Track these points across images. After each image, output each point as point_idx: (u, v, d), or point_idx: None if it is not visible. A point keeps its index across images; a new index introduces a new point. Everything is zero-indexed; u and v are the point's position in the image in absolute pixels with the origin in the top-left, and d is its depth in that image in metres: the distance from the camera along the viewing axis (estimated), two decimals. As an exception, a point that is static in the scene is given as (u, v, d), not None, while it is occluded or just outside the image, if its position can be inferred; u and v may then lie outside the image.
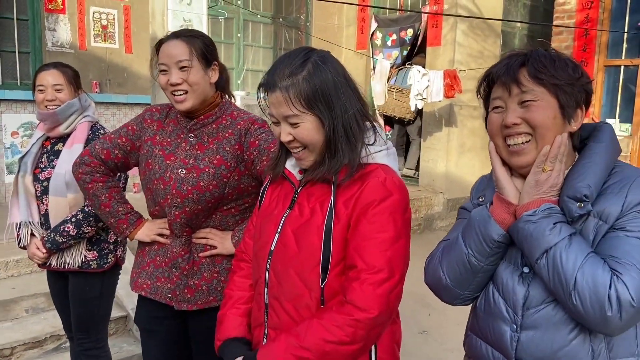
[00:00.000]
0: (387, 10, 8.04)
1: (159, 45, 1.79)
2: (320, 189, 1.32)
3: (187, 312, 1.87)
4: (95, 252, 2.38)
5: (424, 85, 6.44)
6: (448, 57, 7.02)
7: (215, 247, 1.84)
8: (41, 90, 2.34)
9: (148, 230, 1.93)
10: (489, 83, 1.27)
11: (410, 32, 7.54)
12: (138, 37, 6.36)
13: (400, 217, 1.26)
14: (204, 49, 1.78)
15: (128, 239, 2.02)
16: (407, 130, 7.75)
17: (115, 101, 6.17)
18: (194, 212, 1.78)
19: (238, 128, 1.82)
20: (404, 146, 7.92)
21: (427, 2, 7.34)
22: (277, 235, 1.34)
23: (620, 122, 6.03)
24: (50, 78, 2.33)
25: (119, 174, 2.20)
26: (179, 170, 1.79)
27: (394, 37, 7.75)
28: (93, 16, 6.11)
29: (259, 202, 1.50)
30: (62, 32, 5.92)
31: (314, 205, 1.30)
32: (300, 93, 1.24)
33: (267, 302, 1.36)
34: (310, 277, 1.27)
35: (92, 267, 2.37)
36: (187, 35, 1.77)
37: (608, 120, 6.06)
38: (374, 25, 7.94)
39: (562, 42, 6.16)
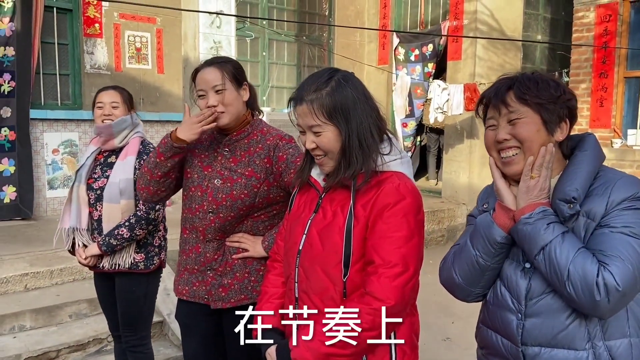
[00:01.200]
0: (408, 27, 8.24)
1: (195, 73, 2.02)
2: (341, 194, 1.50)
3: (221, 310, 2.07)
4: (142, 254, 2.61)
5: (444, 99, 6.59)
6: (469, 71, 7.15)
7: (247, 250, 2.03)
8: (100, 107, 2.64)
9: (188, 129, 1.95)
10: (485, 105, 1.46)
11: (430, 47, 7.71)
12: (170, 58, 6.68)
13: (413, 218, 1.43)
14: (234, 72, 2.01)
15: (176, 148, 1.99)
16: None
17: (148, 119, 6.48)
18: (227, 218, 1.99)
19: (267, 144, 2.03)
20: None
21: (447, 17, 7.51)
22: (304, 236, 1.53)
23: (642, 132, 6.07)
24: (108, 96, 2.64)
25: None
26: (215, 180, 2.01)
27: (417, 52, 7.93)
28: (128, 39, 6.45)
29: (289, 207, 1.69)
30: (99, 55, 6.27)
31: (335, 209, 1.49)
32: (323, 106, 1.45)
33: (297, 295, 1.54)
34: (334, 272, 1.45)
35: (139, 268, 2.60)
36: (218, 61, 2.01)
37: (630, 131, 6.11)
38: (395, 41, 8.13)
39: (582, 55, 6.25)
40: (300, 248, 1.53)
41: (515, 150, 1.37)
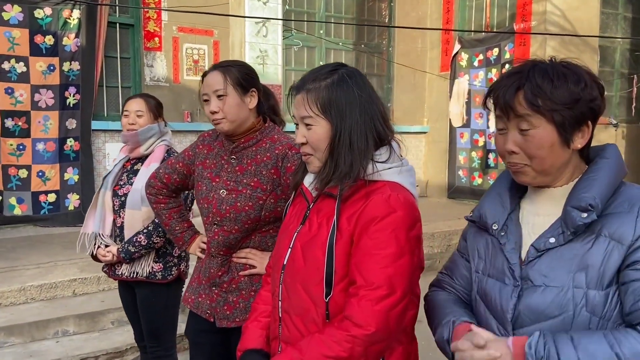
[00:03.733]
0: (472, 32, 7.89)
1: (203, 77, 1.92)
2: (328, 204, 1.33)
3: (229, 329, 1.95)
4: (161, 264, 2.57)
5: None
6: (537, 76, 6.70)
7: (254, 267, 1.90)
8: (126, 115, 2.64)
9: (195, 246, 2.10)
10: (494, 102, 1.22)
11: (496, 51, 7.32)
12: (226, 69, 6.76)
13: (404, 234, 1.23)
14: (240, 77, 1.87)
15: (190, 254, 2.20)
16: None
17: (205, 129, 6.58)
18: (231, 231, 1.86)
19: (276, 153, 1.88)
20: None
21: (514, 20, 7.10)
22: (289, 250, 1.37)
23: None
24: (134, 105, 2.63)
25: (186, 193, 2.40)
26: (221, 191, 1.89)
27: (481, 57, 7.57)
28: (186, 52, 6.61)
29: (282, 219, 1.54)
30: (158, 67, 6.47)
31: (321, 221, 1.32)
32: (318, 98, 1.31)
33: (280, 315, 1.38)
34: (316, 292, 1.28)
35: (157, 277, 2.55)
36: (224, 65, 1.89)
37: None
38: (457, 47, 7.80)
39: (665, 54, 5.65)
40: (285, 263, 1.38)
41: (524, 163, 1.15)
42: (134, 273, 2.55)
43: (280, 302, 1.38)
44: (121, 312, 3.97)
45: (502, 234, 1.21)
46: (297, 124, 1.38)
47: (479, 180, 7.82)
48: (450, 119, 7.42)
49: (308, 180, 1.44)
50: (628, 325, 1.02)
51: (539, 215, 1.18)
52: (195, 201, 2.08)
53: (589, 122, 1.12)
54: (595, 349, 0.97)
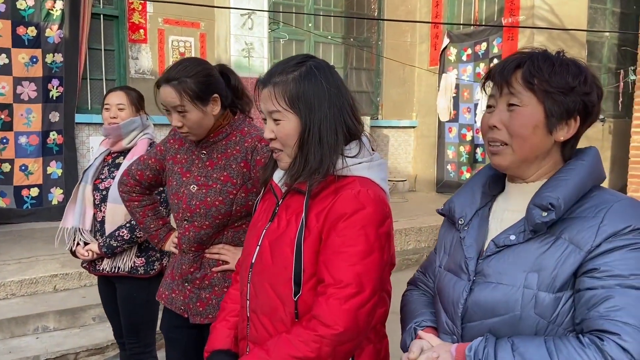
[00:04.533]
0: (461, 25, 7.87)
1: (158, 85, 1.81)
2: (296, 200, 1.30)
3: (203, 325, 1.91)
4: (143, 258, 2.52)
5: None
6: (525, 71, 6.69)
7: (227, 262, 1.86)
8: (107, 109, 2.58)
9: (169, 242, 2.06)
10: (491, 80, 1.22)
11: (484, 45, 7.31)
12: (213, 62, 6.68)
13: (374, 231, 1.20)
14: (197, 89, 1.76)
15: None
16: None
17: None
18: (202, 227, 1.82)
19: (245, 146, 1.83)
20: None
21: (502, 15, 7.08)
22: (257, 247, 1.34)
23: None
24: (115, 98, 2.57)
25: (160, 189, 2.35)
26: (191, 187, 1.85)
27: (469, 51, 7.55)
28: (172, 44, 6.52)
29: (252, 214, 1.51)
30: (144, 60, 6.38)
31: (289, 217, 1.29)
32: (286, 91, 1.26)
33: (248, 315, 1.35)
34: (284, 291, 1.25)
35: (139, 272, 2.51)
36: (177, 78, 1.74)
37: None
38: (445, 41, 7.78)
39: (651, 50, 5.66)
40: (253, 261, 1.34)
41: (503, 143, 1.13)
42: (115, 268, 2.51)
43: (248, 302, 1.35)
44: (102, 308, 3.93)
45: (465, 228, 1.19)
46: (264, 119, 1.34)
47: (467, 175, 7.83)
48: (438, 114, 7.40)
49: (278, 176, 1.40)
50: (578, 333, 0.99)
51: (509, 211, 1.16)
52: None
53: (578, 117, 1.10)
54: (533, 355, 0.95)
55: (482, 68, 7.37)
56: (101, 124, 6.21)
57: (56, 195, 5.87)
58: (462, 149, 7.85)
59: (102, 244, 2.48)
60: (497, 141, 1.13)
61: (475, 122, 7.22)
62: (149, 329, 2.67)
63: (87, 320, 3.83)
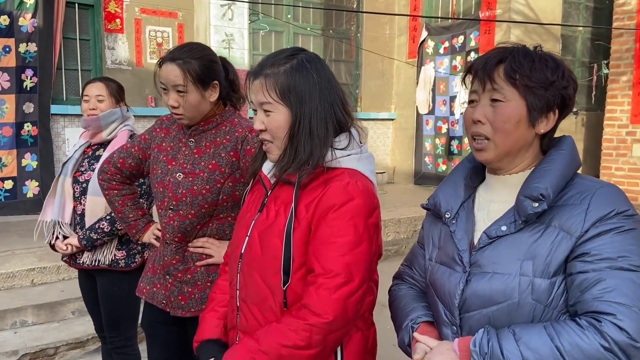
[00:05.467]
0: (439, 18, 7.93)
1: (160, 63, 1.81)
2: (286, 191, 1.32)
3: (184, 319, 1.91)
4: (124, 251, 2.50)
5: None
6: (501, 64, 6.79)
7: (211, 257, 1.86)
8: (86, 100, 2.54)
9: (150, 233, 2.04)
10: (473, 75, 1.25)
11: (461, 39, 7.39)
12: (191, 53, 6.62)
13: (363, 222, 1.23)
14: (200, 72, 1.77)
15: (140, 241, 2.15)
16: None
17: (168, 114, 6.46)
18: (187, 216, 1.82)
19: (235, 135, 1.84)
20: None
21: (479, 8, 7.16)
22: (247, 238, 1.35)
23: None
24: (94, 89, 2.54)
25: (141, 180, 2.34)
26: (177, 175, 1.84)
27: (447, 44, 7.63)
28: (149, 34, 6.43)
29: (241, 205, 1.52)
30: (120, 50, 6.28)
31: (279, 208, 1.31)
32: (277, 83, 1.28)
33: (238, 304, 1.37)
34: (273, 281, 1.27)
35: (120, 265, 2.49)
36: (183, 58, 1.76)
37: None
38: (424, 33, 7.84)
39: (623, 45, 5.81)
40: (242, 252, 1.36)
41: (486, 138, 1.17)
42: (95, 261, 2.49)
43: (237, 291, 1.37)
44: (82, 301, 3.86)
45: (453, 222, 1.23)
46: (255, 110, 1.35)
47: (443, 167, 7.93)
48: (417, 106, 7.46)
49: (267, 167, 1.42)
50: (572, 316, 1.04)
51: (495, 202, 1.20)
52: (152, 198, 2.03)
53: (556, 110, 1.15)
54: (537, 342, 1.00)
55: (458, 61, 7.45)
56: (77, 115, 6.14)
57: (31, 187, 5.76)
58: (438, 141, 7.95)
59: (82, 236, 2.45)
60: (481, 135, 1.17)
61: (453, 114, 7.30)
62: (130, 322, 2.66)
63: (66, 314, 3.78)
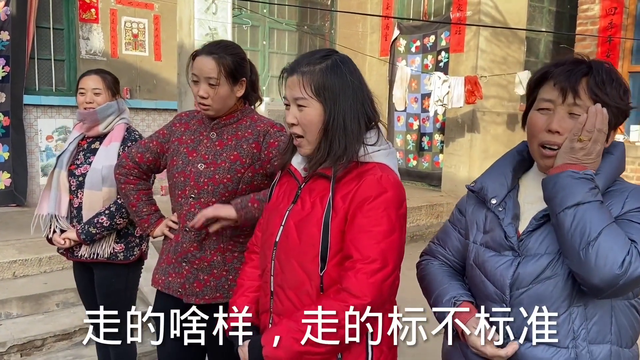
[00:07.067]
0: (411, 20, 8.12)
1: (194, 56, 1.93)
2: (320, 184, 1.42)
3: (197, 308, 1.98)
4: (122, 244, 2.53)
5: (445, 92, 6.49)
6: (471, 64, 7.05)
7: (226, 218, 1.85)
8: (82, 93, 2.55)
9: (163, 226, 2.10)
10: (541, 80, 1.30)
11: (432, 38, 7.61)
12: (167, 45, 6.59)
13: (395, 212, 1.35)
14: (234, 67, 1.90)
15: (151, 237, 2.19)
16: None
17: (144, 107, 6.42)
18: (207, 204, 1.90)
19: (257, 129, 1.95)
20: None
21: (450, 9, 7.39)
22: (281, 227, 1.45)
23: (646, 128, 5.96)
24: (90, 82, 2.54)
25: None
26: (199, 165, 1.93)
27: (418, 43, 7.83)
28: (125, 25, 6.36)
29: (268, 197, 1.61)
30: (95, 40, 6.19)
31: (314, 200, 1.41)
32: (313, 80, 1.37)
33: (272, 289, 1.46)
34: (311, 267, 1.37)
35: (119, 258, 2.52)
36: (219, 53, 1.89)
37: (632, 127, 6.01)
38: (396, 32, 8.02)
39: (586, 49, 6.13)
40: (277, 240, 1.45)
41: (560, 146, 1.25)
42: (94, 254, 2.50)
43: (272, 277, 1.46)
44: (66, 294, 3.88)
45: (500, 209, 1.34)
46: (287, 105, 1.44)
47: (414, 162, 8.16)
48: (392, 103, 7.64)
49: (296, 161, 1.52)
50: None
51: (541, 198, 1.29)
52: (168, 181, 2.08)
53: (616, 129, 1.28)
54: (606, 216, 1.18)
55: (429, 60, 7.67)
56: (50, 106, 6.02)
57: (3, 179, 5.63)
58: (409, 137, 8.16)
59: (80, 230, 2.46)
60: (557, 145, 1.25)
61: (426, 111, 7.50)
62: (126, 314, 2.69)
63: (50, 307, 3.77)
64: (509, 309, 1.28)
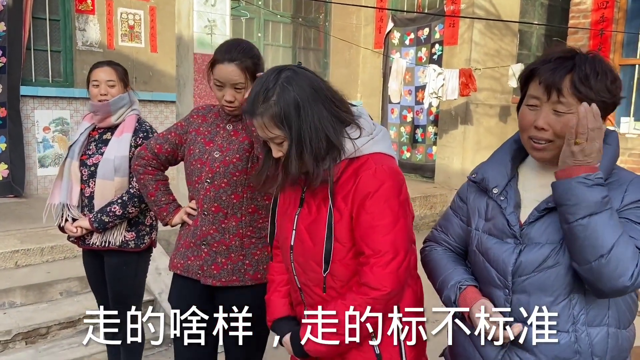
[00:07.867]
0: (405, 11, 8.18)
1: (213, 62, 1.98)
2: (322, 188, 1.44)
3: (213, 291, 2.06)
4: (133, 232, 2.59)
5: (439, 84, 6.57)
6: (464, 56, 7.13)
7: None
8: (96, 85, 2.57)
9: (182, 213, 2.17)
10: (530, 76, 1.33)
11: (426, 31, 7.67)
12: (163, 36, 6.60)
13: (396, 202, 1.41)
14: (254, 69, 1.97)
15: (168, 225, 2.26)
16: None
17: (140, 98, 6.32)
18: (220, 185, 2.00)
19: None
20: None
21: (444, 2, 7.46)
22: (293, 232, 1.52)
23: (635, 120, 6.09)
24: (104, 74, 2.57)
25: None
26: (215, 153, 2.04)
27: (412, 36, 7.89)
28: (121, 17, 6.36)
29: (272, 202, 1.67)
30: (91, 32, 6.19)
31: (319, 203, 1.46)
32: (273, 116, 1.36)
33: (299, 286, 1.55)
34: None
35: (130, 246, 2.58)
36: (240, 59, 1.94)
37: (623, 119, 6.13)
38: (390, 24, 8.07)
39: (578, 42, 6.23)
40: (292, 244, 1.53)
41: (548, 140, 1.30)
42: (106, 242, 2.56)
43: (296, 277, 1.55)
44: (69, 282, 3.93)
45: (502, 198, 1.39)
46: (265, 141, 1.46)
47: (407, 154, 8.24)
48: (386, 95, 7.72)
49: None
50: None
51: (546, 187, 1.32)
52: (185, 170, 2.16)
53: (607, 118, 1.31)
54: (617, 228, 1.20)
55: (423, 52, 7.74)
56: (47, 97, 6.01)
57: (1, 170, 5.64)
58: (403, 129, 8.24)
59: (93, 219, 2.52)
60: (543, 140, 1.29)
61: (420, 103, 7.58)
62: (137, 301, 2.75)
63: (54, 295, 3.81)
64: (510, 297, 1.35)
